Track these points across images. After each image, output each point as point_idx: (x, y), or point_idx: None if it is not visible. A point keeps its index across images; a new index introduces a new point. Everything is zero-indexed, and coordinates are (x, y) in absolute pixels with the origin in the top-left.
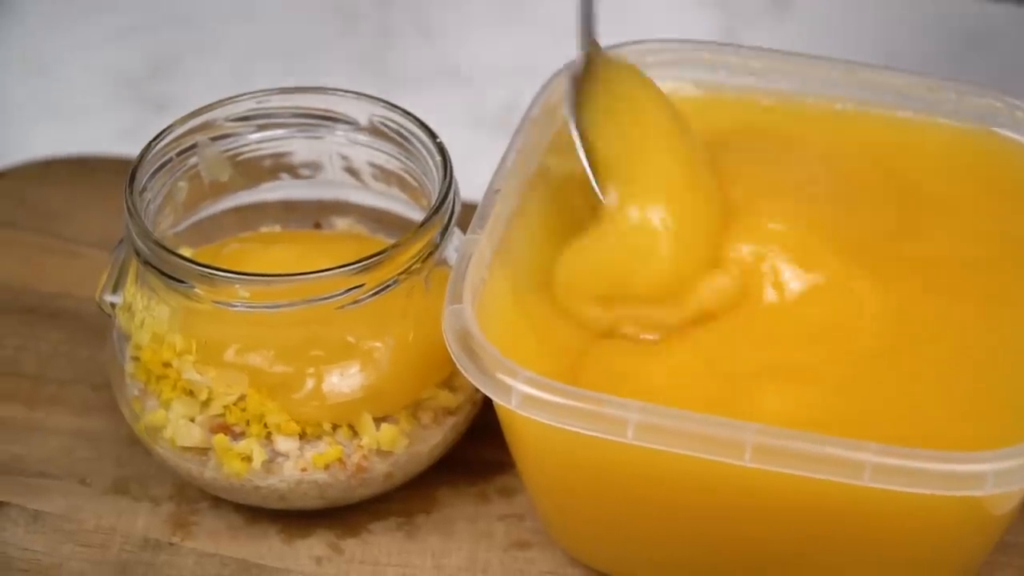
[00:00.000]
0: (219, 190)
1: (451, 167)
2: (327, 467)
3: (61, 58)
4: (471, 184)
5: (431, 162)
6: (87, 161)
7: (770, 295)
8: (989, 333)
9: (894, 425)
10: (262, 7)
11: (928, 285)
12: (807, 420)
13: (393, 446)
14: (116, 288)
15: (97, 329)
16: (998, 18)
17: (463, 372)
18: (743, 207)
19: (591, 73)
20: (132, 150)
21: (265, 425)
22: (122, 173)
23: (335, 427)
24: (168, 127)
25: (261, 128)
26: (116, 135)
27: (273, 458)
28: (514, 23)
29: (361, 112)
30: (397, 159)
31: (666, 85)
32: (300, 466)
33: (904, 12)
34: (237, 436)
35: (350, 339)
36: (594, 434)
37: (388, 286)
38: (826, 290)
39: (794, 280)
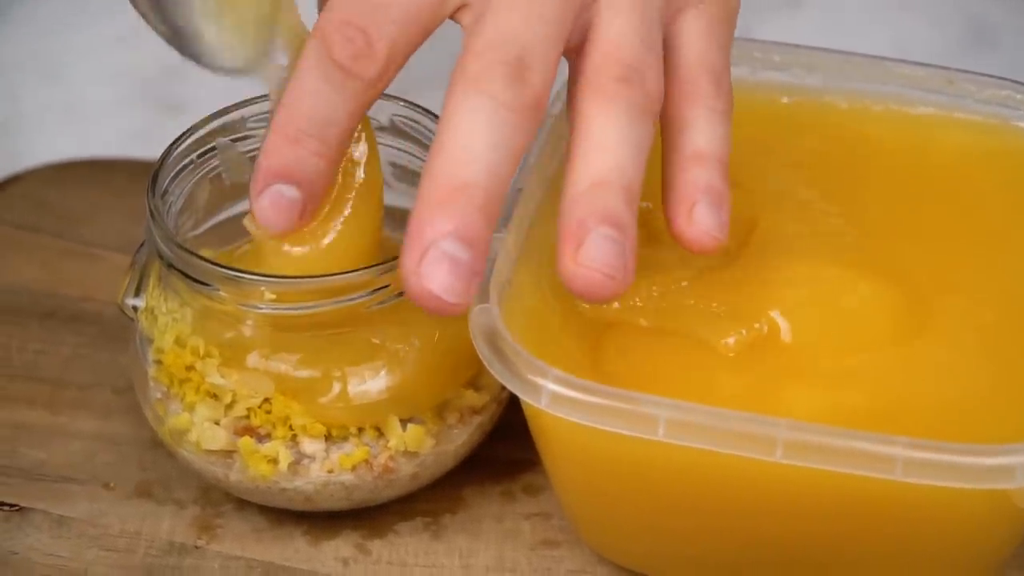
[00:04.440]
0: (240, 192)
1: None
2: (354, 468)
3: (73, 60)
4: None
5: None
6: (104, 164)
7: (789, 298)
8: (1012, 327)
9: (920, 421)
10: None
11: (949, 283)
12: (832, 417)
13: (419, 446)
14: (138, 291)
15: (117, 332)
16: (1009, 10)
17: (492, 372)
18: (760, 216)
19: None
20: (146, 151)
21: (290, 427)
22: (139, 175)
23: (361, 428)
24: (189, 129)
25: None
26: (129, 137)
27: (299, 460)
28: None
29: (381, 112)
30: (419, 158)
31: None
32: (326, 468)
33: (916, 5)
34: (262, 438)
35: (375, 341)
36: (625, 432)
37: None
38: (846, 291)
39: (813, 281)
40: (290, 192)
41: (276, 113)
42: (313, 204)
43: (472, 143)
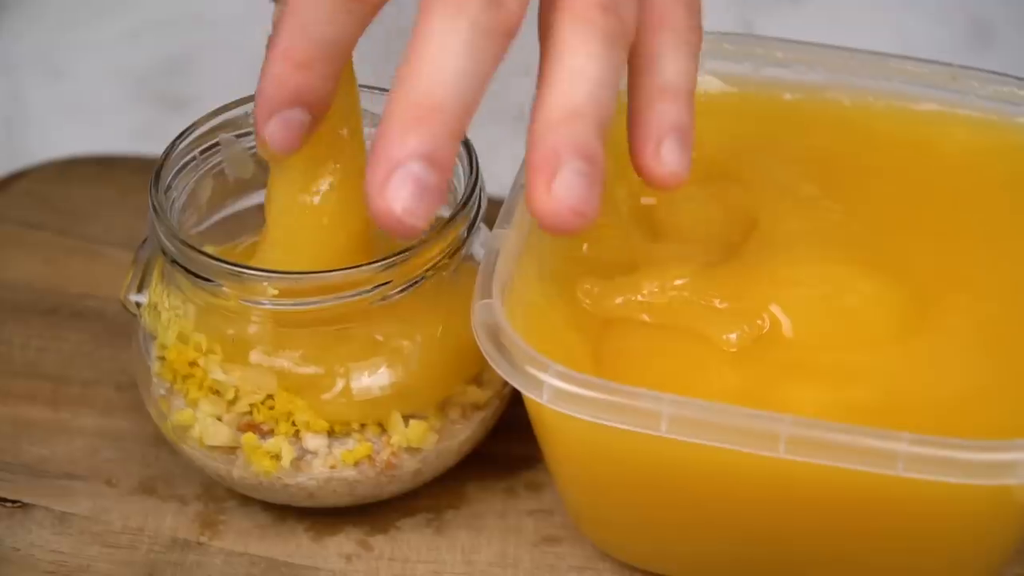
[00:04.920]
0: (243, 187)
1: (477, 163)
2: (356, 464)
3: (76, 58)
4: (490, 179)
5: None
6: (107, 160)
7: (791, 295)
8: (1014, 323)
9: (922, 417)
10: None
11: (951, 279)
12: (834, 413)
13: (422, 443)
14: (141, 287)
15: (120, 329)
16: (1012, 8)
17: (494, 367)
18: (762, 213)
19: None
20: (149, 149)
21: (293, 423)
22: (142, 172)
23: (363, 424)
24: (191, 125)
25: None
26: (132, 134)
27: (302, 456)
28: (531, 18)
29: None
30: None
31: None
32: (329, 463)
33: (919, 1)
34: (265, 434)
35: (378, 337)
36: (626, 427)
37: (416, 282)
38: (848, 287)
39: (815, 278)
40: (300, 115)
41: (278, 36)
42: (318, 122)
43: (446, 63)
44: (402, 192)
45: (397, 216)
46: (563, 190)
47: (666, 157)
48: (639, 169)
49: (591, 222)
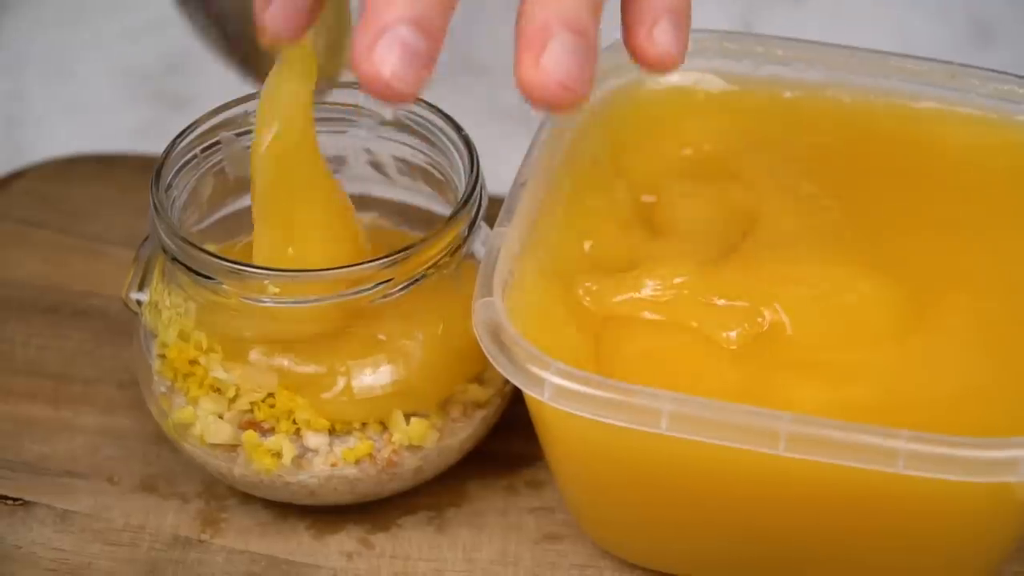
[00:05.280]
0: (243, 186)
1: (477, 161)
2: (357, 462)
3: (77, 57)
4: (490, 177)
5: (457, 156)
6: (108, 159)
7: (791, 292)
8: (1014, 321)
9: (922, 415)
10: None
11: (951, 277)
12: (834, 411)
13: (423, 441)
14: (142, 286)
15: (121, 327)
16: (1012, 7)
17: (495, 365)
18: (762, 211)
19: None
20: (149, 147)
21: (294, 421)
22: (144, 170)
23: (365, 422)
24: (193, 123)
25: None
26: (133, 132)
27: (303, 454)
28: None
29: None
30: (423, 153)
31: (690, 76)
32: (330, 461)
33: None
34: (266, 432)
35: (379, 335)
36: (627, 425)
37: (416, 280)
38: (848, 285)
39: (815, 276)
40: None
41: None
42: (319, 2)
43: None
44: (390, 56)
45: (385, 80)
46: (552, 63)
47: (659, 38)
48: (632, 51)
49: (581, 100)
